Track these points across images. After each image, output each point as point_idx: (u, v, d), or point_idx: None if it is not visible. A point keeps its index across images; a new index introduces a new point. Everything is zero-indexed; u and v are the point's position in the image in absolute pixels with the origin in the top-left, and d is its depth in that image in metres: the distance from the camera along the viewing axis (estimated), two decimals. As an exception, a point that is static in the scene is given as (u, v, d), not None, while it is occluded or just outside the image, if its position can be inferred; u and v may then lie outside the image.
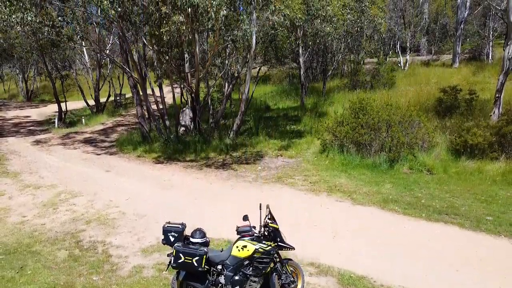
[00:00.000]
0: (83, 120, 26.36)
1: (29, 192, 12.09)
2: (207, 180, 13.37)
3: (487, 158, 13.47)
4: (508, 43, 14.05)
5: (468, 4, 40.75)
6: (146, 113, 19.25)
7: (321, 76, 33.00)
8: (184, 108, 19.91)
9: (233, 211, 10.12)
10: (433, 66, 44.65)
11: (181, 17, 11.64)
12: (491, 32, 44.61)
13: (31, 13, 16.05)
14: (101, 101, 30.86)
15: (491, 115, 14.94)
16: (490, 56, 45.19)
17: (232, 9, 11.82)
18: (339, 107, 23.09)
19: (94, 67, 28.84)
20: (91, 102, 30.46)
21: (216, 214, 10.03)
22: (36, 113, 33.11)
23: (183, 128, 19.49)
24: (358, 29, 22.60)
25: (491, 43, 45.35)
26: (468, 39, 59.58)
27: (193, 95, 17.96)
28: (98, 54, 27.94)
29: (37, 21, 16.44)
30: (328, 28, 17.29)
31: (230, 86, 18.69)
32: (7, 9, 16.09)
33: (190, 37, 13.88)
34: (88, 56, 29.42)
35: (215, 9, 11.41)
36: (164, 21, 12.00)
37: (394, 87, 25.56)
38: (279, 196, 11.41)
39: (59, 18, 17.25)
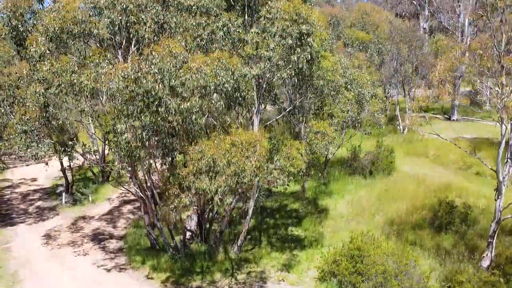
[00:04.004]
0: (90, 197, 27.09)
1: None
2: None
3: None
4: (499, 197, 14.87)
5: (466, 56, 41.31)
6: (153, 221, 19.98)
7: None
8: (189, 214, 20.67)
9: None
10: (431, 112, 45.16)
11: (187, 199, 12.37)
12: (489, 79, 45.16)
13: (45, 145, 16.78)
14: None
15: (483, 256, 15.77)
16: (488, 102, 45.83)
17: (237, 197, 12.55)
18: (338, 200, 23.94)
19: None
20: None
21: None
22: (42, 173, 33.78)
23: (189, 233, 20.29)
24: (358, 124, 23.34)
25: (489, 90, 45.87)
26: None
27: (199, 211, 18.78)
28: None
29: (49, 149, 17.15)
30: (331, 148, 18.02)
31: (233, 201, 19.43)
32: (23, 140, 16.82)
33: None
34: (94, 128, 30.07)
35: (220, 196, 12.17)
36: (173, 198, 12.75)
37: (393, 170, 26.24)
38: None
39: (70, 142, 17.93)
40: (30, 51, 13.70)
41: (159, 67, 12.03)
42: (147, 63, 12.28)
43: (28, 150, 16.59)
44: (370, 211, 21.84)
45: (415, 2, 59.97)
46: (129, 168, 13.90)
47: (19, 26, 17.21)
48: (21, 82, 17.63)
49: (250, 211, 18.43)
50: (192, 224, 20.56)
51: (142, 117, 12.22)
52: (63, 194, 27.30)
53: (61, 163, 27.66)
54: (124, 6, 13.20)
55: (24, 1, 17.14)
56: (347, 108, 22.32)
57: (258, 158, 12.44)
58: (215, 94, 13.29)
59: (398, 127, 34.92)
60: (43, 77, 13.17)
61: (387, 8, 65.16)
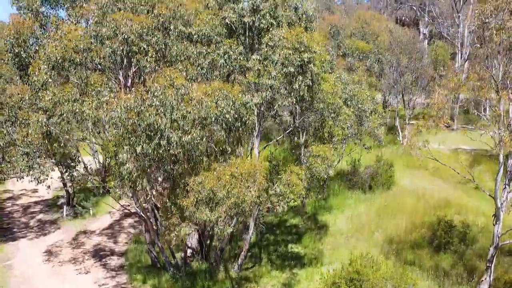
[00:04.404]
0: (91, 210, 27.22)
1: None
2: None
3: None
4: (497, 222, 15.01)
5: (466, 67, 41.49)
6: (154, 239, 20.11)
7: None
8: (190, 232, 20.77)
9: None
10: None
11: (188, 228, 12.52)
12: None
13: (47, 168, 16.91)
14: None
15: (482, 280, 15.91)
16: (486, 111, 45.98)
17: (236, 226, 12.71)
18: (338, 215, 24.08)
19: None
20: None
21: None
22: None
23: (190, 250, 20.44)
24: (358, 140, 23.49)
25: (488, 101, 46.06)
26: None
27: (199, 231, 18.93)
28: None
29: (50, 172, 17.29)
30: (331, 171, 18.14)
31: (234, 223, 19.58)
32: (24, 161, 16.95)
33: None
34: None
35: (221, 227, 12.32)
36: (174, 227, 12.89)
37: (392, 184, 26.35)
38: None
39: (72, 164, 18.05)
40: (32, 78, 13.82)
41: (160, 99, 12.15)
42: (149, 94, 12.39)
43: (30, 172, 16.73)
44: (369, 227, 21.97)
45: (415, 8, 60.14)
46: (130, 194, 14.04)
47: (22, 52, 17.36)
48: (23, 103, 17.72)
49: (250, 231, 18.58)
50: (193, 241, 20.69)
51: (144, 146, 12.35)
52: (64, 207, 27.40)
53: (62, 177, 27.79)
54: (126, 36, 13.31)
55: (27, 28, 17.27)
56: (346, 124, 22.41)
57: (258, 188, 12.57)
58: (216, 125, 13.41)
59: (398, 138, 35.02)
60: (45, 107, 13.29)
61: (387, 13, 65.30)
